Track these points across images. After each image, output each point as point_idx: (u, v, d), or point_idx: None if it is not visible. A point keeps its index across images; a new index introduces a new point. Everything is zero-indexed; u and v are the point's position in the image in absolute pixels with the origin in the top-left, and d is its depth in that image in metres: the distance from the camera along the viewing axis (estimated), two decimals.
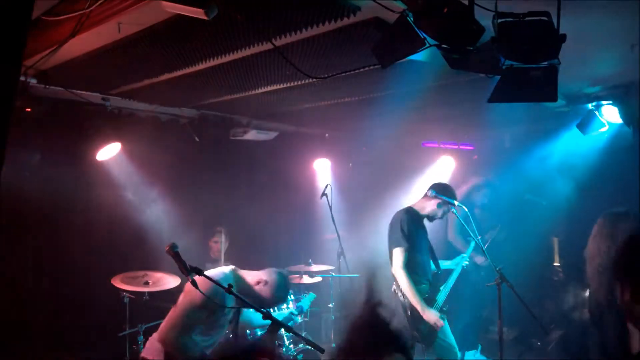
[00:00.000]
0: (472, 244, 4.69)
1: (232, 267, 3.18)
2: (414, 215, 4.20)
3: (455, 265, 4.45)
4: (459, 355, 4.20)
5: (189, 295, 2.87)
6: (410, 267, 4.03)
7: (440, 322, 3.94)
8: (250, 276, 3.18)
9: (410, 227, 4.06)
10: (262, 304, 3.01)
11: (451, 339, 4.16)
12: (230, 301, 2.91)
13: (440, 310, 4.09)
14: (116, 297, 4.23)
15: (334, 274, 5.21)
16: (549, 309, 5.65)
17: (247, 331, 4.43)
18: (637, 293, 1.29)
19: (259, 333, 4.43)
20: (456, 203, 4.09)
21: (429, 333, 3.99)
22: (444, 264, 4.52)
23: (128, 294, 4.20)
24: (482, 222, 5.68)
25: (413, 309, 3.96)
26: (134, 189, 4.77)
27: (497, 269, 3.68)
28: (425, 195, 4.25)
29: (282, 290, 3.17)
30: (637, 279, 1.30)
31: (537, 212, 5.89)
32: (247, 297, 2.98)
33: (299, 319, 4.66)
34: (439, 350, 4.08)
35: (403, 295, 4.01)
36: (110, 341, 4.21)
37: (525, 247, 5.84)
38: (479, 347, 5.62)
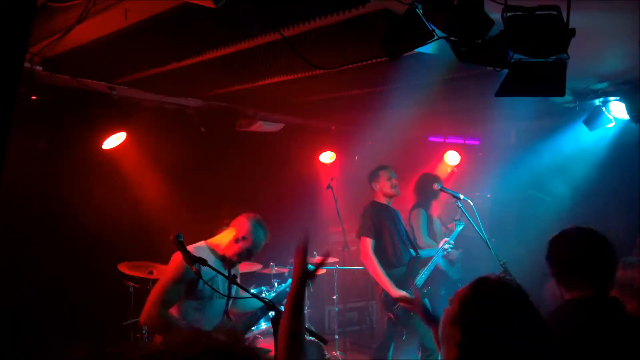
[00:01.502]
0: (458, 228, 4.72)
1: (203, 242, 3.11)
2: (378, 205, 4.48)
3: (436, 249, 4.57)
4: None
5: (167, 271, 2.84)
6: (381, 252, 4.29)
7: (408, 297, 4.09)
8: (225, 240, 3.05)
9: (374, 217, 4.35)
10: (248, 256, 3.02)
11: None
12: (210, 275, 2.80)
13: (419, 292, 4.20)
14: (121, 287, 4.26)
15: (338, 266, 5.23)
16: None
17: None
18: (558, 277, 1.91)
19: (262, 325, 4.45)
20: (462, 197, 4.10)
21: (405, 314, 4.16)
22: (427, 251, 4.65)
23: (133, 284, 4.23)
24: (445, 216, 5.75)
25: (385, 293, 4.18)
26: (139, 178, 4.78)
27: (501, 263, 3.68)
28: (373, 187, 4.55)
29: (260, 234, 3.09)
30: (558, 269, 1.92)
31: (541, 208, 5.87)
32: (235, 261, 3.01)
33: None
34: (420, 336, 4.25)
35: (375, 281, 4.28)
36: (114, 330, 4.24)
37: (529, 243, 5.83)
38: None
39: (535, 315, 1.29)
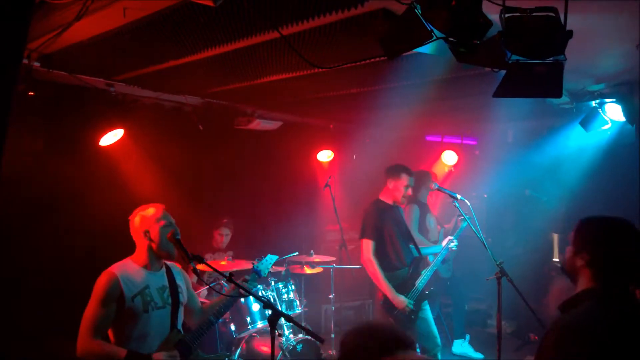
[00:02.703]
0: (463, 225, 4.71)
1: (128, 258, 2.85)
2: (382, 205, 4.38)
3: (440, 248, 4.56)
4: (439, 343, 4.30)
5: (92, 296, 2.65)
6: (382, 255, 4.23)
7: (408, 308, 4.09)
8: (144, 246, 2.80)
9: (377, 218, 4.25)
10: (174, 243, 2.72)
11: (431, 326, 4.31)
12: (136, 287, 2.68)
13: (422, 294, 4.24)
14: None
15: (335, 265, 5.23)
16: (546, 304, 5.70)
17: (248, 319, 4.46)
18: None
19: (259, 324, 4.46)
20: (458, 197, 4.11)
21: (405, 319, 4.14)
22: (431, 249, 4.64)
23: None
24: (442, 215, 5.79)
25: (385, 297, 4.14)
26: (136, 175, 4.77)
27: (498, 263, 3.70)
28: (387, 182, 4.40)
29: (166, 216, 2.82)
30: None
31: (537, 208, 5.90)
32: (170, 256, 2.76)
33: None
34: (419, 338, 4.24)
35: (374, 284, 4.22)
36: None
37: (525, 243, 5.87)
38: (467, 337, 5.68)
39: None
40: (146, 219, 2.80)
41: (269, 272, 4.85)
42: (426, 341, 4.25)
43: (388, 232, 4.30)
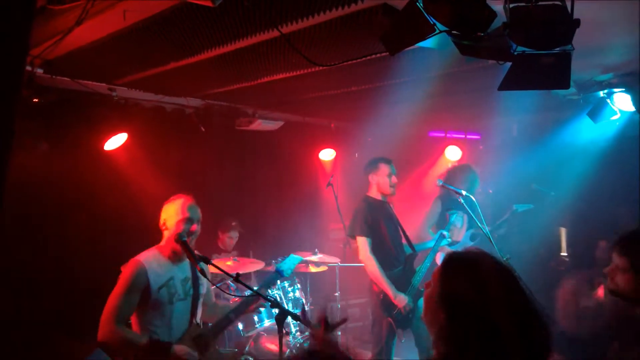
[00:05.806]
0: (452, 217, 4.64)
1: (155, 248, 2.89)
2: (372, 201, 4.27)
3: (434, 242, 4.42)
4: None
5: (117, 284, 2.70)
6: (379, 252, 4.10)
7: (408, 306, 3.99)
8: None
9: (367, 214, 4.13)
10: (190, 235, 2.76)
11: None
12: (162, 279, 2.72)
13: (417, 292, 4.12)
14: None
15: (339, 263, 5.21)
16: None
17: (255, 318, 4.44)
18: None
19: (266, 322, 4.44)
20: (464, 193, 4.07)
21: (404, 317, 4.04)
22: (424, 244, 4.52)
23: None
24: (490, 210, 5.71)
25: (385, 295, 4.03)
26: (140, 178, 4.77)
27: (505, 259, 3.66)
28: (370, 179, 4.32)
29: (192, 209, 2.85)
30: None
31: (544, 203, 5.85)
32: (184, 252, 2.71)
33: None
34: (416, 338, 4.14)
35: (374, 282, 4.10)
36: None
37: (532, 238, 5.81)
38: None
39: (515, 282, 1.30)
40: (168, 209, 2.85)
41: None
42: (425, 341, 4.18)
43: (383, 229, 4.18)
